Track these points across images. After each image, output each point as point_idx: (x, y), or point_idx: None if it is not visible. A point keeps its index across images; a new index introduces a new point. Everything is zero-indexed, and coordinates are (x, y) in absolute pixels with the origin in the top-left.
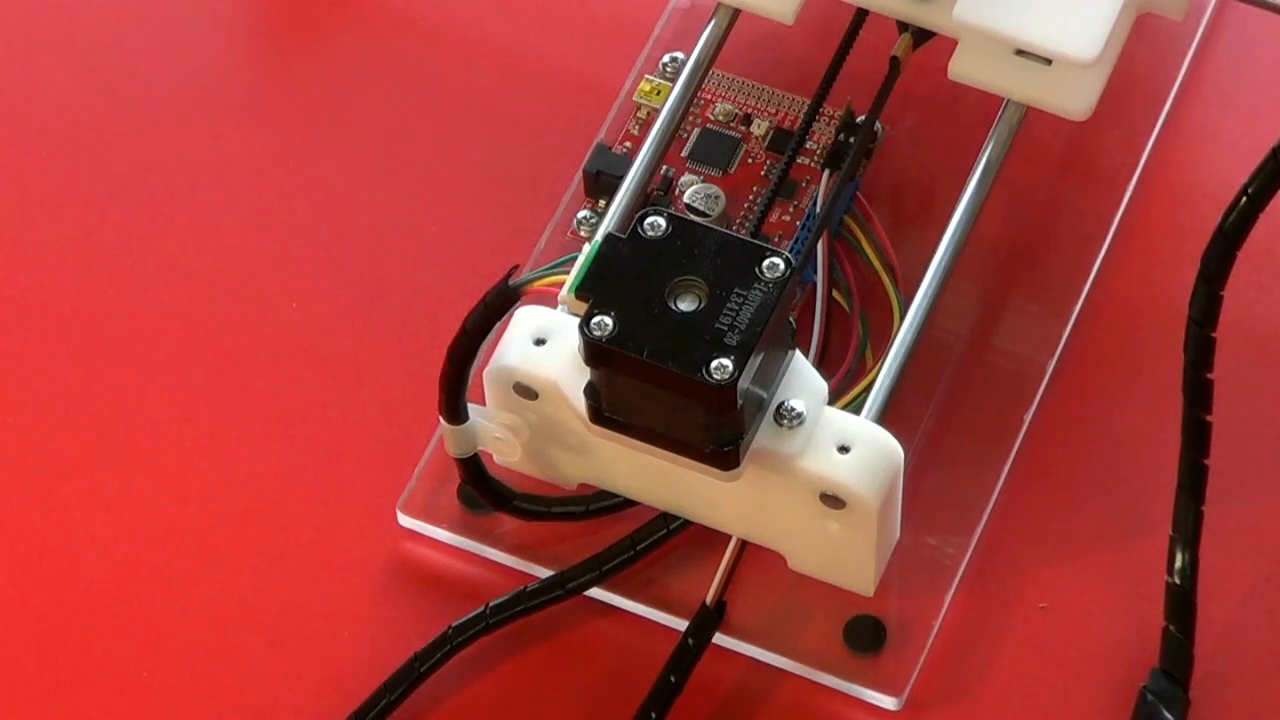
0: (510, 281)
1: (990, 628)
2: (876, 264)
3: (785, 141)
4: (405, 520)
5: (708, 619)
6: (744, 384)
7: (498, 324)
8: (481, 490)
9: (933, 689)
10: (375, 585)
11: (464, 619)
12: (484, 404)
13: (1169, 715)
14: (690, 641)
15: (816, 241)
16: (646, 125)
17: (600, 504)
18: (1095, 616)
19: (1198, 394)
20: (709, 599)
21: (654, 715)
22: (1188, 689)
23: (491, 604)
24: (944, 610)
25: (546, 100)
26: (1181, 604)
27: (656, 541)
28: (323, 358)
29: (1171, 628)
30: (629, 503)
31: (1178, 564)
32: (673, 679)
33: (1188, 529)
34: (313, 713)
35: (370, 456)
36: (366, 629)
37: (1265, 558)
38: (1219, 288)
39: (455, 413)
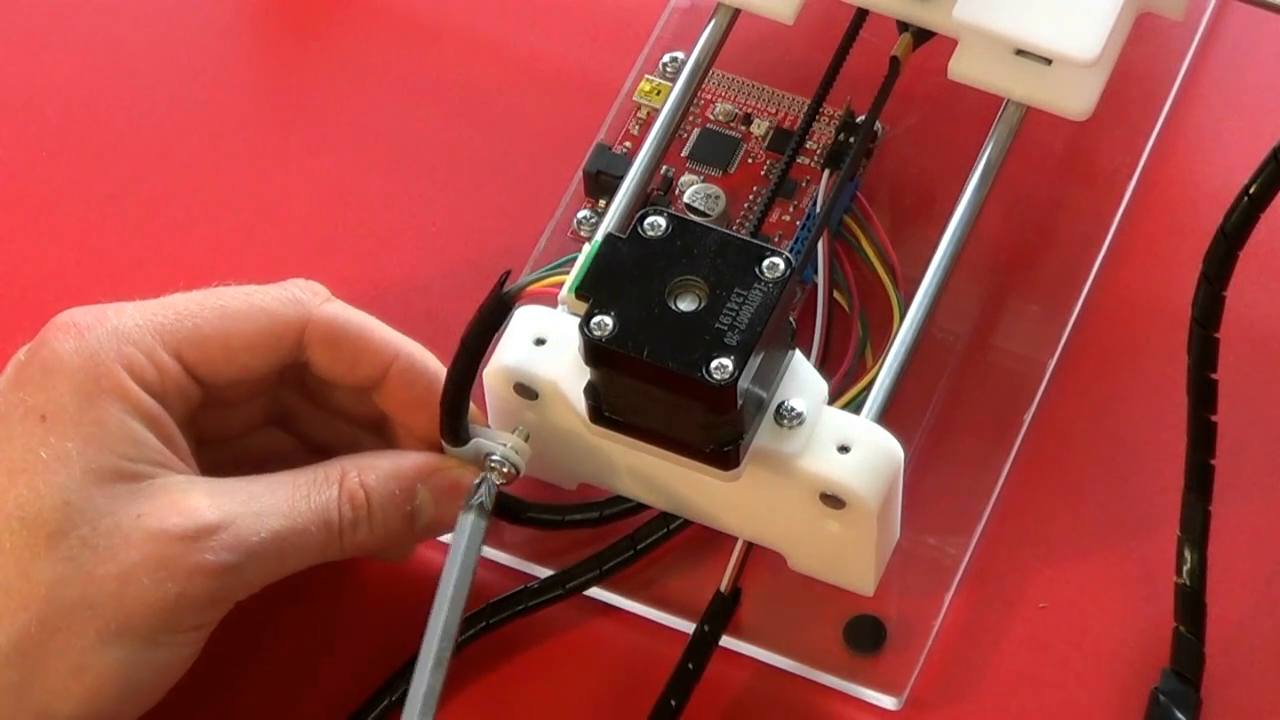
0: (505, 288)
1: (990, 628)
2: (876, 264)
3: (785, 141)
4: None
5: (724, 606)
6: (744, 384)
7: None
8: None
9: (933, 689)
10: (375, 585)
11: (464, 617)
12: (484, 404)
13: (1181, 715)
14: (707, 628)
15: (816, 241)
16: (646, 125)
17: (613, 510)
18: (1095, 616)
19: (1203, 394)
20: (724, 586)
21: (674, 703)
22: (1199, 689)
23: (492, 602)
24: (944, 610)
25: (546, 100)
26: (1191, 604)
27: (657, 541)
28: None
29: (1182, 628)
30: (641, 508)
31: (1187, 564)
32: (691, 666)
33: (1196, 529)
34: (313, 713)
35: None
36: (366, 629)
37: (1269, 557)
38: (1221, 288)
39: (456, 435)
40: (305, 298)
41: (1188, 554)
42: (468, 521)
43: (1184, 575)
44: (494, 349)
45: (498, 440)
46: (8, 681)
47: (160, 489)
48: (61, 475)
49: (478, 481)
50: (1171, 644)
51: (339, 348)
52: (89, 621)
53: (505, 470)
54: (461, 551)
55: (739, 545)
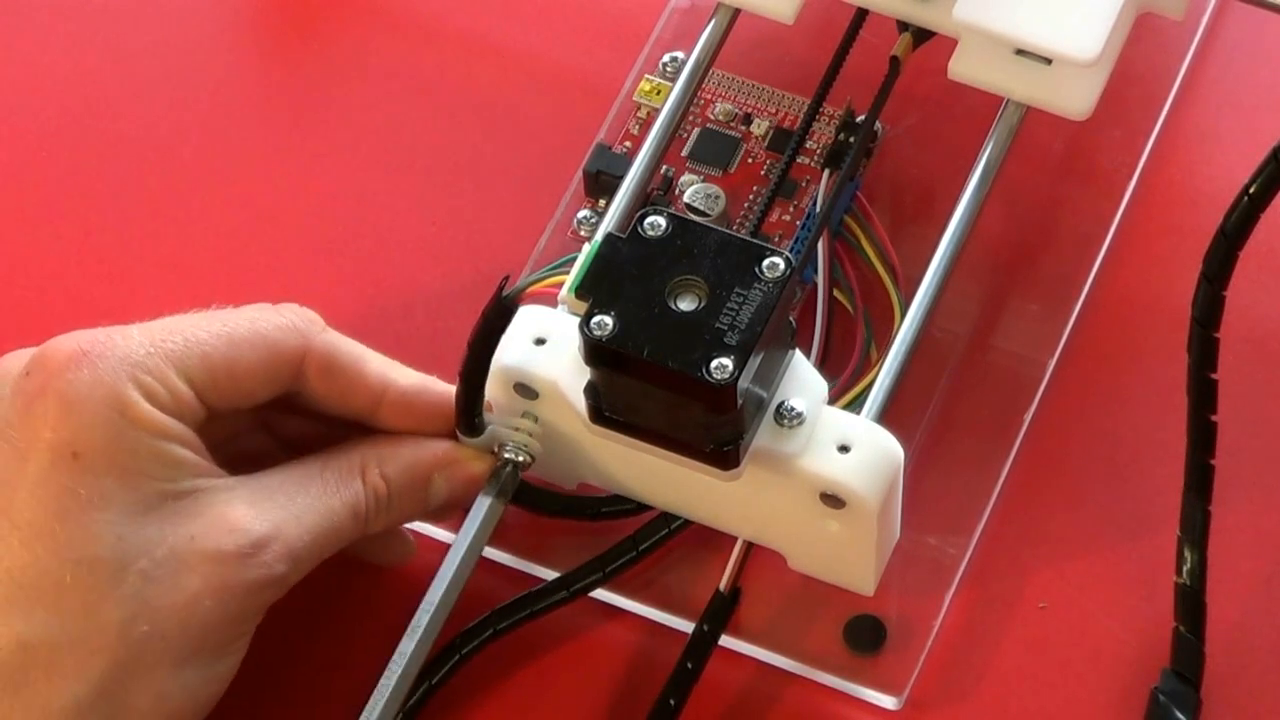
0: (504, 292)
1: (990, 628)
2: (877, 264)
3: (785, 141)
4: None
5: (723, 605)
6: (744, 383)
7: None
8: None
9: (933, 689)
10: (375, 587)
11: (471, 625)
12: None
13: (1181, 715)
14: (706, 628)
15: (816, 241)
16: (646, 125)
17: (611, 508)
18: (1095, 616)
19: (1203, 394)
20: (723, 585)
21: (673, 702)
22: (1199, 689)
23: (497, 609)
24: (944, 610)
25: (546, 100)
26: (1191, 604)
27: (658, 541)
28: None
29: (1181, 628)
30: (637, 508)
31: (1186, 564)
32: (690, 665)
33: (1195, 529)
34: (319, 714)
35: None
36: (368, 632)
37: (1269, 557)
38: (1221, 288)
39: (471, 428)
40: (304, 326)
41: (1187, 554)
42: (485, 504)
43: (1184, 575)
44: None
45: (510, 427)
46: None
47: (205, 504)
48: (108, 511)
49: (501, 465)
50: (1171, 644)
51: (333, 379)
52: (164, 652)
53: (520, 459)
54: (474, 530)
55: (739, 545)
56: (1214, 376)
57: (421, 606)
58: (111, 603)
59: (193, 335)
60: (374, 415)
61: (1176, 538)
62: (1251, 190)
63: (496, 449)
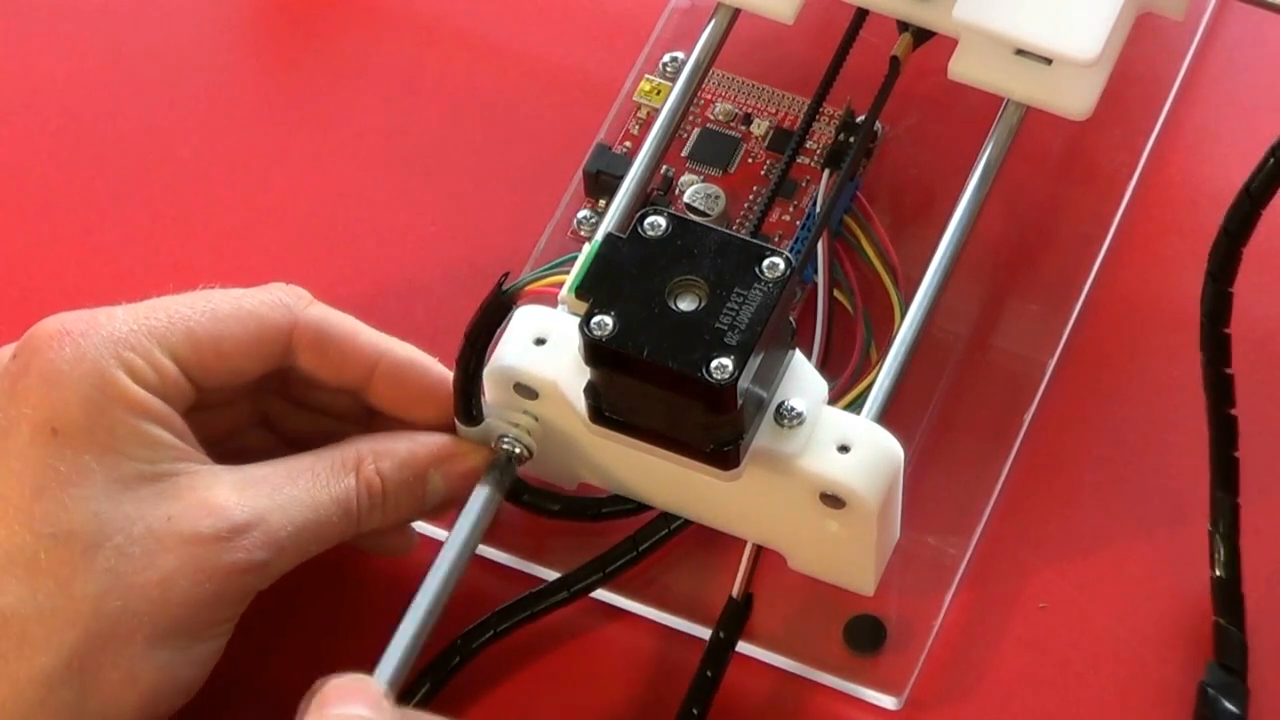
0: (504, 288)
1: (990, 628)
2: (877, 264)
3: (785, 141)
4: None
5: (737, 611)
6: (744, 384)
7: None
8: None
9: (933, 689)
10: (370, 582)
11: (471, 626)
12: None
13: (1231, 706)
14: (722, 635)
15: (816, 241)
16: (646, 125)
17: (612, 509)
18: (1095, 616)
19: (1219, 390)
20: (735, 591)
21: (695, 712)
22: (1245, 679)
23: (498, 610)
24: (944, 610)
25: (546, 100)
26: (1229, 596)
27: (658, 541)
28: None
29: (1221, 620)
30: (637, 509)
31: (1220, 557)
32: (709, 674)
33: (1226, 522)
34: None
35: None
36: (362, 627)
37: (1269, 557)
38: (1227, 286)
39: (469, 415)
40: (291, 301)
41: (1220, 547)
42: (482, 494)
43: (1219, 568)
44: (494, 349)
45: (508, 421)
46: (64, 700)
47: (186, 487)
48: (86, 487)
49: (499, 457)
50: (1213, 637)
51: (325, 351)
52: (135, 629)
53: (518, 451)
54: (471, 520)
55: (748, 549)
56: (1229, 371)
57: (417, 596)
58: (84, 577)
59: (177, 312)
60: (368, 387)
61: (1207, 533)
62: (1252, 188)
63: (494, 442)
